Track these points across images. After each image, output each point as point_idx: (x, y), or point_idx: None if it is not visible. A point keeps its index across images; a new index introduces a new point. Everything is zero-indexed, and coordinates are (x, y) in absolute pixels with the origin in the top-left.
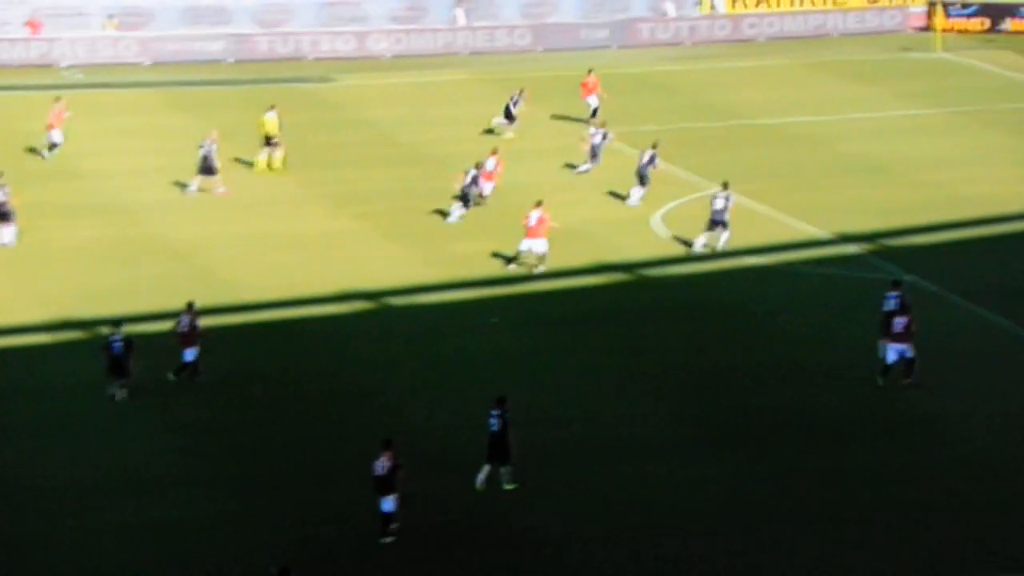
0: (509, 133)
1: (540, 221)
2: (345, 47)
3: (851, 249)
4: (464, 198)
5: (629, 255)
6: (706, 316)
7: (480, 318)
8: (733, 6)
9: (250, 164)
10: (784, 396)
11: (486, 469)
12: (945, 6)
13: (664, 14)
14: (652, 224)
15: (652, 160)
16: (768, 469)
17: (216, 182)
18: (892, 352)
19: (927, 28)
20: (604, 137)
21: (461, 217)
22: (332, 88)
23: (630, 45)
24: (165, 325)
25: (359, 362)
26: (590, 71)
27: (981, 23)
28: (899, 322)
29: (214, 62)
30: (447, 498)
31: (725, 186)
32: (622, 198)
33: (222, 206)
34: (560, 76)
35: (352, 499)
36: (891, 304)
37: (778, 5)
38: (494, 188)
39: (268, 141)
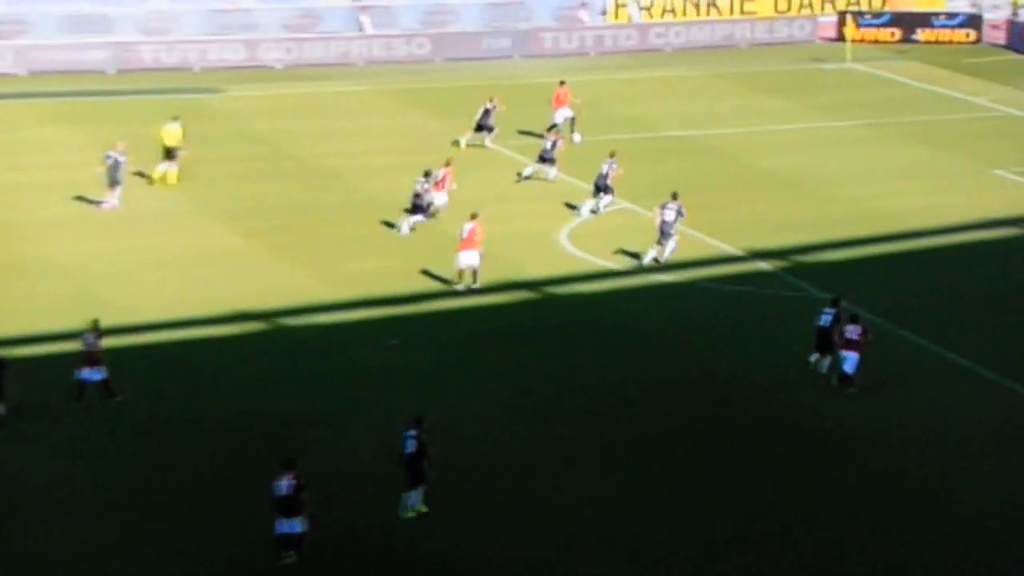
0: (489, 143)
1: (471, 234)
2: (234, 56)
3: (762, 266)
4: (415, 208)
5: (534, 272)
6: (613, 334)
7: (379, 337)
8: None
9: (142, 176)
10: (693, 413)
11: (406, 496)
12: (856, 16)
13: (580, 22)
14: (559, 240)
15: (611, 169)
16: (677, 487)
17: (111, 196)
18: (849, 361)
19: (838, 38)
20: (554, 144)
21: (412, 228)
22: (221, 99)
23: (534, 55)
24: (44, 348)
25: (254, 383)
26: (562, 83)
27: (892, 33)
28: (852, 330)
29: (96, 72)
30: (355, 520)
31: (674, 196)
32: (534, 213)
33: (108, 223)
34: (461, 87)
35: (251, 522)
36: (824, 320)
37: (685, 14)
38: (447, 199)
39: (169, 154)
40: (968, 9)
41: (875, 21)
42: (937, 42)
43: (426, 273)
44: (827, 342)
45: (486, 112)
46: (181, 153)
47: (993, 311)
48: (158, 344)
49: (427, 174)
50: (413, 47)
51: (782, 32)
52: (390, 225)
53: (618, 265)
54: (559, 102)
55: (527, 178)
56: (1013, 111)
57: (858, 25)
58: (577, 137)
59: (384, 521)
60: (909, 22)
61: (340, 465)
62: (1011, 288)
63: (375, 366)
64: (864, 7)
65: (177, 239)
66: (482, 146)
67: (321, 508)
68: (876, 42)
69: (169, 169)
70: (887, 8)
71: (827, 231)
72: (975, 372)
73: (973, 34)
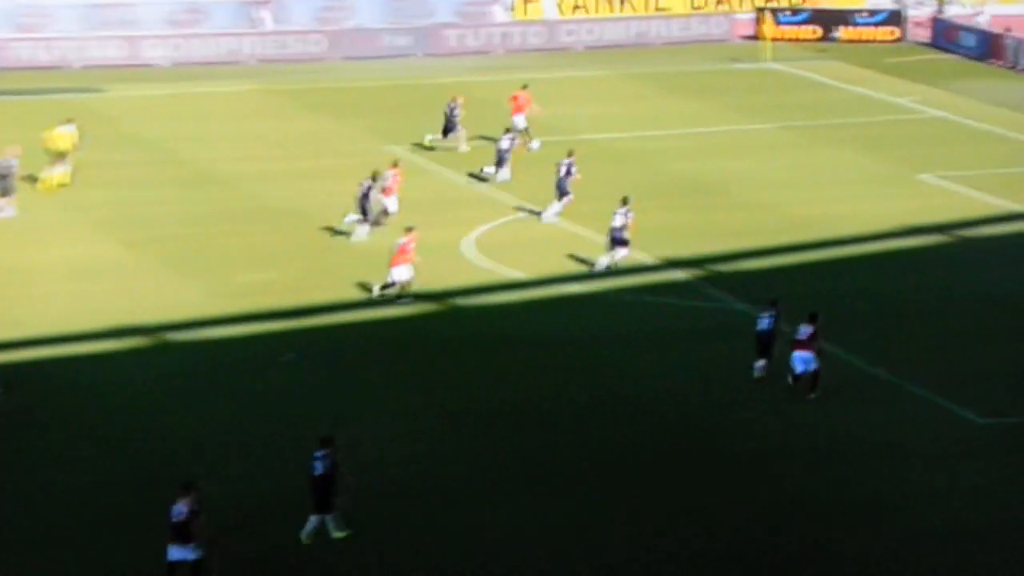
0: (464, 146)
1: (403, 248)
2: (116, 54)
3: (679, 276)
4: (364, 213)
5: (439, 283)
6: (526, 349)
7: (272, 353)
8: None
9: (28, 182)
10: (606, 432)
11: (313, 520)
12: (774, 12)
13: (486, 18)
14: (463, 249)
15: (569, 171)
16: (588, 509)
17: (5, 204)
18: (799, 362)
19: (756, 37)
20: (512, 141)
21: (369, 234)
22: (103, 99)
23: (437, 53)
24: None
25: (143, 402)
26: (525, 86)
27: (813, 31)
28: (804, 330)
29: None
30: (261, 548)
31: (624, 201)
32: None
33: None
34: (359, 88)
35: (144, 548)
36: (764, 324)
37: (597, 11)
38: (397, 202)
39: (59, 157)
40: (891, 5)
41: (794, 18)
42: (859, 40)
43: (324, 284)
44: (768, 347)
45: (451, 113)
46: (76, 155)
47: (921, 323)
48: (43, 360)
49: (374, 176)
50: (308, 45)
51: (698, 30)
52: (338, 233)
53: (527, 275)
54: (517, 106)
55: (482, 178)
56: (938, 112)
57: (776, 23)
58: (535, 144)
59: (292, 550)
60: (829, 19)
61: (240, 489)
62: (938, 299)
63: (271, 384)
64: (783, 4)
65: (61, 250)
66: (454, 150)
67: (222, 534)
68: (796, 40)
69: (60, 173)
70: (806, 5)
71: (748, 239)
72: (904, 387)
73: (896, 32)
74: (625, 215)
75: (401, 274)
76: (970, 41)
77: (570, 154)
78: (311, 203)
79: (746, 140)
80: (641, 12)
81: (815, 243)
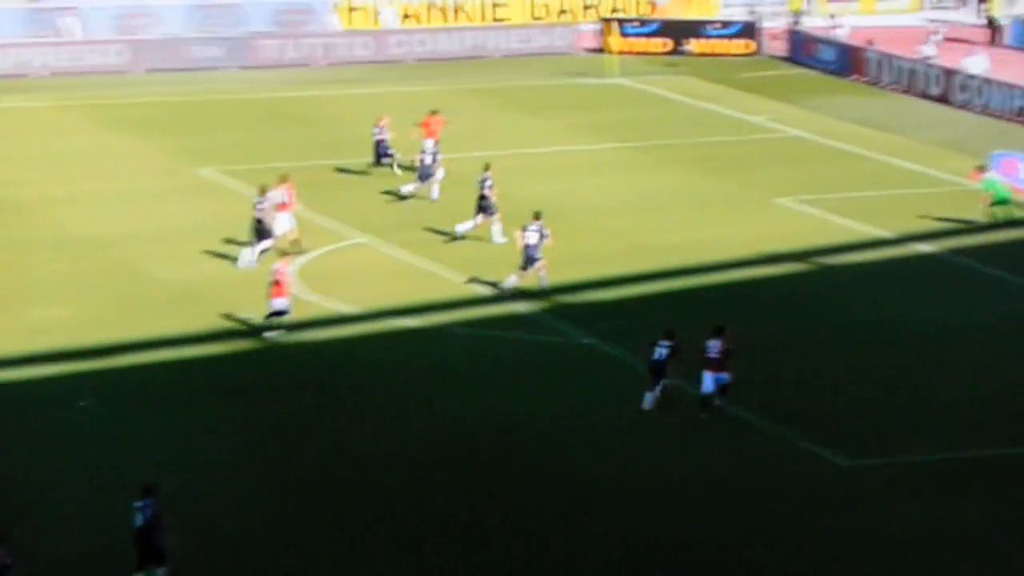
0: (397, 170)
1: (280, 276)
2: None
3: (521, 308)
4: (260, 234)
5: (258, 317)
6: (354, 389)
7: (71, 396)
8: (376, 22)
9: None
10: (455, 477)
11: None
12: (621, 24)
13: (306, 27)
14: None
15: (485, 184)
16: (440, 570)
17: None
18: (708, 381)
19: (601, 49)
20: (435, 158)
21: (262, 255)
22: None
23: (252, 66)
24: None
25: None
26: (435, 112)
27: (662, 44)
28: (713, 346)
29: None
30: None
31: (536, 217)
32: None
33: None
34: (165, 102)
35: None
36: (660, 353)
37: (428, 20)
38: (293, 222)
39: None
40: (745, 17)
41: (642, 30)
42: (711, 54)
43: (128, 320)
44: (662, 374)
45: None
46: None
47: (783, 357)
48: None
49: (262, 191)
50: (108, 56)
51: (539, 42)
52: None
53: (357, 308)
54: (429, 131)
55: (404, 198)
56: (795, 131)
57: (623, 35)
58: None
59: None
60: (680, 32)
61: (47, 543)
62: (799, 331)
63: (69, 430)
64: (630, 15)
65: None
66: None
67: None
68: (644, 54)
69: None
70: (655, 16)
71: (595, 268)
72: (765, 427)
73: (750, 45)
74: (538, 232)
75: (283, 305)
76: (829, 55)
77: (487, 167)
78: (112, 230)
79: (591, 161)
80: (477, 22)
81: (666, 272)
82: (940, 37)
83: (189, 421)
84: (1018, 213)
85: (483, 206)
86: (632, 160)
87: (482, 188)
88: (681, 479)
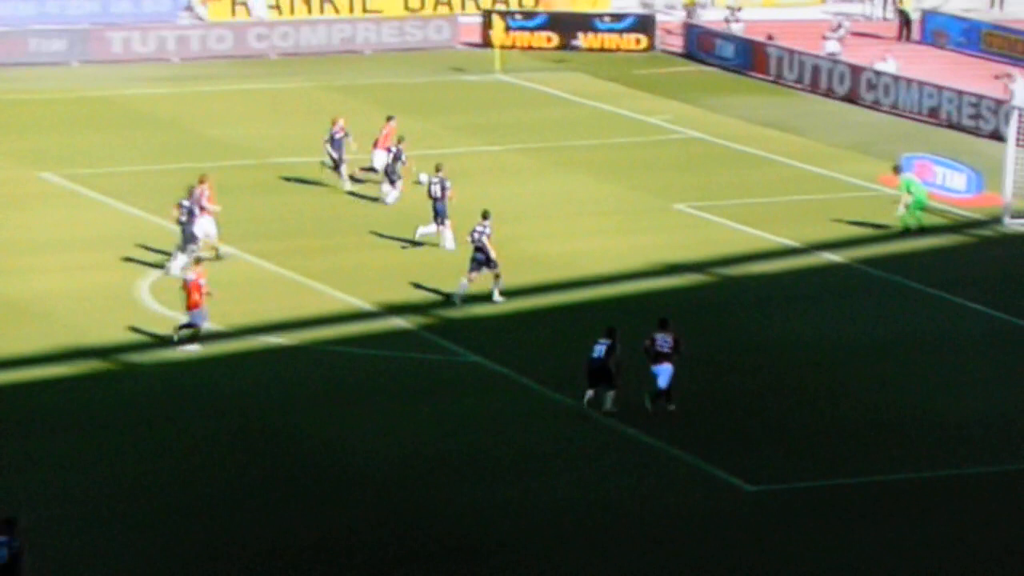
0: (347, 185)
1: (194, 287)
2: None
3: (400, 324)
4: (187, 240)
5: (109, 336)
6: (210, 413)
7: None
8: (233, 13)
9: None
10: (308, 516)
11: None
12: (504, 16)
13: (201, 19)
14: (137, 295)
15: (441, 185)
16: None
17: None
18: (663, 375)
19: (484, 44)
20: (398, 158)
21: (185, 267)
22: None
23: (97, 60)
24: None
25: None
26: (390, 118)
27: (549, 38)
28: (663, 340)
29: None
30: None
31: (485, 216)
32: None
33: None
34: (3, 101)
35: None
36: (599, 351)
37: (293, 12)
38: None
39: None
40: (638, 10)
41: (528, 23)
42: (603, 49)
43: None
44: (603, 374)
45: (334, 141)
46: None
47: (684, 376)
48: None
49: (190, 193)
50: None
51: (415, 35)
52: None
53: (217, 325)
54: (383, 141)
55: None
56: (693, 133)
57: (507, 28)
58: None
59: None
60: (568, 25)
61: None
62: (701, 348)
63: None
64: (514, 6)
65: None
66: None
67: None
68: (530, 49)
69: None
70: (541, 8)
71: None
72: (667, 451)
73: (644, 40)
74: (483, 232)
75: (200, 317)
76: (728, 51)
77: (438, 168)
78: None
79: (473, 165)
80: (346, 14)
81: (557, 284)
82: (844, 32)
83: (40, 449)
84: (929, 220)
85: (437, 210)
86: (518, 164)
87: (435, 191)
88: (577, 508)
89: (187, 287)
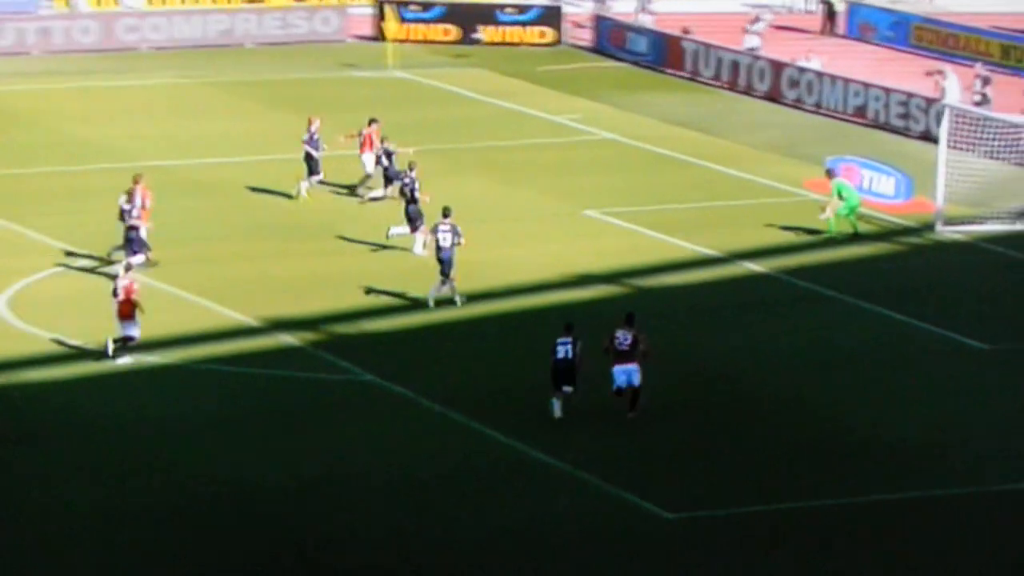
0: (303, 190)
1: (126, 295)
2: None
3: (288, 340)
4: (130, 244)
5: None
6: (73, 439)
7: None
8: (99, 2)
9: None
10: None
11: None
12: (398, 7)
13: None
14: None
15: (412, 187)
16: None
17: None
18: (620, 375)
19: (377, 37)
20: (390, 155)
21: (144, 264)
22: None
23: None
24: None
25: None
26: (372, 121)
27: (447, 31)
28: (623, 337)
29: None
30: None
31: (445, 214)
32: None
33: None
34: None
35: None
36: (564, 351)
37: (164, 2)
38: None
39: None
40: (543, 1)
41: (424, 15)
42: (506, 43)
43: None
44: (570, 376)
45: (314, 141)
46: None
47: (588, 396)
48: None
49: (130, 195)
50: None
51: (300, 28)
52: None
53: (83, 342)
54: (369, 144)
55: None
56: (605, 134)
57: (402, 20)
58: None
59: None
60: (469, 17)
61: None
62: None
63: None
64: None
65: None
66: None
67: None
68: (427, 42)
69: None
70: None
71: (371, 293)
72: (577, 476)
73: (550, 33)
74: (449, 231)
75: (135, 329)
76: (641, 45)
77: (411, 168)
78: None
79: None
80: (224, 4)
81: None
82: (764, 25)
83: None
84: (859, 227)
85: (410, 212)
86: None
87: (409, 192)
88: (483, 537)
89: (121, 296)
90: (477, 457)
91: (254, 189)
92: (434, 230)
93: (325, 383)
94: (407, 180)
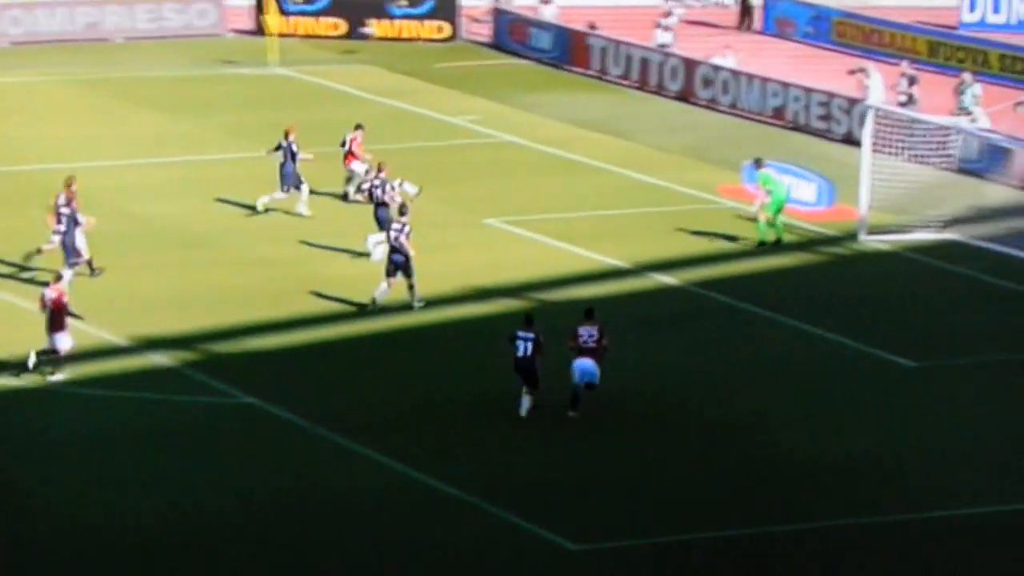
0: (304, 208)
1: (57, 304)
2: None
3: (161, 361)
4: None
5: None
6: None
7: None
8: None
9: None
10: None
11: None
12: (280, 0)
13: None
14: None
15: (381, 189)
16: None
17: None
18: (579, 371)
19: (257, 31)
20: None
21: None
22: None
23: None
24: None
25: None
26: (358, 127)
27: (335, 25)
28: (587, 333)
29: None
30: None
31: (402, 212)
32: None
33: None
34: None
35: None
36: (525, 347)
37: None
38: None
39: None
40: None
41: (309, 7)
42: (398, 39)
43: None
44: (531, 377)
45: (287, 153)
46: None
47: (492, 423)
48: None
49: (68, 200)
50: None
51: (174, 21)
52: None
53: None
54: (356, 149)
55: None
56: (505, 136)
57: (284, 13)
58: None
59: None
60: (357, 10)
61: None
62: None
63: None
64: None
65: None
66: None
67: None
68: (313, 37)
69: None
70: None
71: (253, 307)
72: (479, 506)
73: (447, 28)
74: (401, 230)
75: (67, 344)
76: (543, 41)
77: (380, 169)
78: None
79: (246, 172)
80: None
81: (348, 312)
82: (675, 20)
83: None
84: (783, 234)
85: (380, 217)
86: (301, 171)
87: (377, 194)
88: (369, 569)
89: (49, 306)
90: (364, 484)
91: (121, 196)
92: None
93: (202, 406)
94: (376, 183)
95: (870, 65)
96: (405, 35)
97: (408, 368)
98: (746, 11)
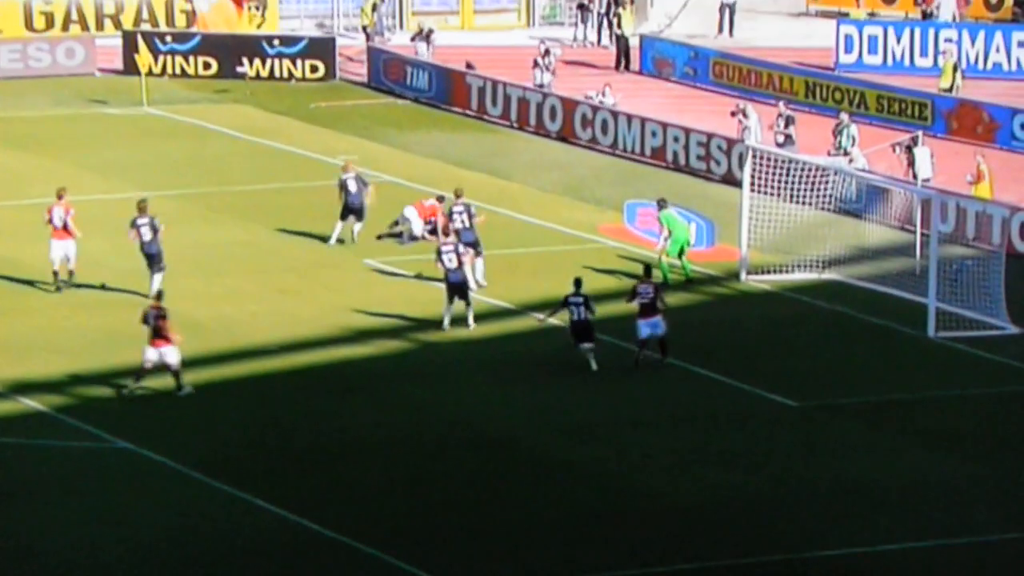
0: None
1: None
2: None
3: (34, 405)
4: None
5: None
6: None
7: None
8: None
9: None
10: None
11: None
12: (151, 39)
13: None
14: None
15: (470, 215)
16: None
17: None
18: (643, 328)
19: (128, 70)
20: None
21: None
22: None
23: None
24: None
25: None
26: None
27: (207, 64)
28: (645, 290)
29: None
30: None
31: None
32: None
33: None
34: None
35: None
36: (579, 312)
37: None
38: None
39: None
40: (312, 32)
41: (181, 47)
42: (271, 77)
43: None
44: (588, 334)
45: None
46: None
47: (362, 460)
48: None
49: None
50: None
51: (42, 60)
52: None
53: None
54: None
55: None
56: (383, 176)
57: (155, 52)
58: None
59: None
60: (230, 49)
61: None
62: (387, 428)
63: None
64: (164, 26)
65: None
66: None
67: None
68: (184, 76)
69: None
70: (196, 29)
71: (124, 348)
72: (354, 548)
73: (322, 67)
74: (467, 210)
75: None
76: (421, 80)
77: (458, 195)
78: None
79: (112, 211)
80: None
81: (224, 354)
82: (553, 59)
83: None
84: (690, 270)
85: (466, 241)
86: (170, 211)
87: (455, 220)
88: None
89: None
90: (242, 528)
91: None
92: (447, 214)
93: (75, 452)
94: (458, 208)
95: (748, 105)
96: (280, 74)
97: (287, 410)
98: (624, 51)
